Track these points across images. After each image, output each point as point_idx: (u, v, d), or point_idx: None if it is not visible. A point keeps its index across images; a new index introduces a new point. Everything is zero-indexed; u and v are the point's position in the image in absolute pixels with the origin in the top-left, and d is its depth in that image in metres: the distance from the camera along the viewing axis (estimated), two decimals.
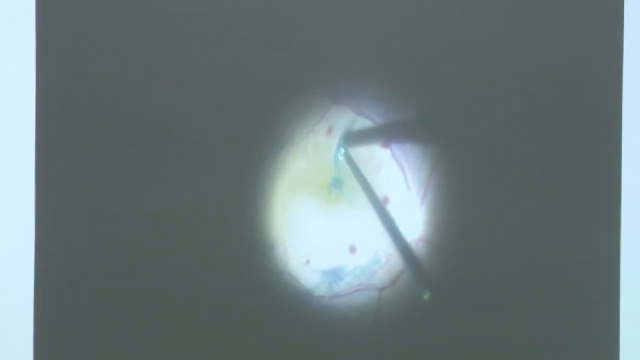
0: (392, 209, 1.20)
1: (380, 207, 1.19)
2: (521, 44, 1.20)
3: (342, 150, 1.19)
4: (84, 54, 1.20)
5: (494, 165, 1.20)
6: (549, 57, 1.20)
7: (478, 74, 1.20)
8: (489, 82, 1.20)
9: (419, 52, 1.20)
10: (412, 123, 1.20)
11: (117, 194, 1.19)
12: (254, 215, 1.19)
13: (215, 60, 1.20)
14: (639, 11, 1.21)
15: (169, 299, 1.19)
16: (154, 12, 1.20)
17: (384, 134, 1.20)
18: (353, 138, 1.20)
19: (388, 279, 1.20)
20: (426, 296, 1.19)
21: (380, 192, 1.20)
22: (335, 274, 1.20)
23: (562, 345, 1.20)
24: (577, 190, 1.20)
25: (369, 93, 1.20)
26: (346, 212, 1.20)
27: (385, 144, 1.20)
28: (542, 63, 1.20)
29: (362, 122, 1.20)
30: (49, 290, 1.20)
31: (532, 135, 1.20)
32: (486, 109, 1.20)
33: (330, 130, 1.20)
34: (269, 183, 1.20)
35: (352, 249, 1.20)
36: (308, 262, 1.19)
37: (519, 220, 1.20)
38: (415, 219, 1.20)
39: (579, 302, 1.20)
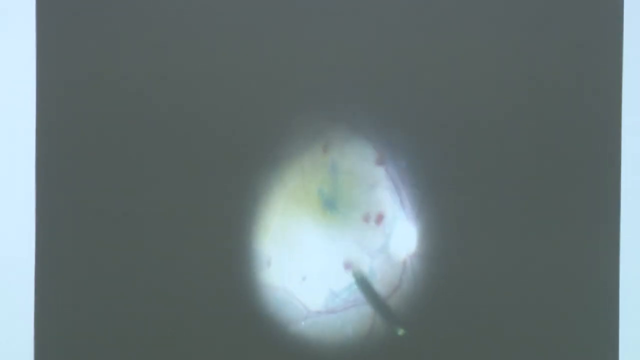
0: (386, 225, 1.20)
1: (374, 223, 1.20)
2: (521, 47, 1.20)
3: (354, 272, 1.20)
4: (85, 54, 1.20)
5: (493, 166, 1.20)
6: (548, 59, 1.20)
7: (476, 77, 1.20)
8: (487, 85, 1.20)
9: (415, 68, 1.20)
10: (406, 140, 1.20)
11: (118, 194, 1.19)
12: (251, 232, 1.19)
13: (214, 74, 1.20)
14: (638, 11, 1.21)
15: (170, 298, 1.19)
16: (156, 13, 1.20)
17: (379, 151, 1.20)
18: (347, 155, 1.20)
19: (383, 294, 1.20)
20: (400, 332, 1.19)
21: (374, 209, 1.20)
22: (330, 290, 1.20)
23: (562, 345, 1.20)
24: (577, 191, 1.20)
25: (364, 111, 1.19)
26: (340, 228, 1.20)
27: (380, 162, 1.20)
28: (542, 64, 1.20)
29: (357, 140, 1.20)
30: (49, 291, 1.20)
31: (531, 136, 1.20)
32: (484, 112, 1.20)
33: (325, 148, 1.20)
34: (266, 200, 1.20)
35: (347, 265, 1.20)
36: (304, 278, 1.20)
37: (518, 221, 1.20)
38: (410, 235, 1.20)
39: (579, 302, 1.20)
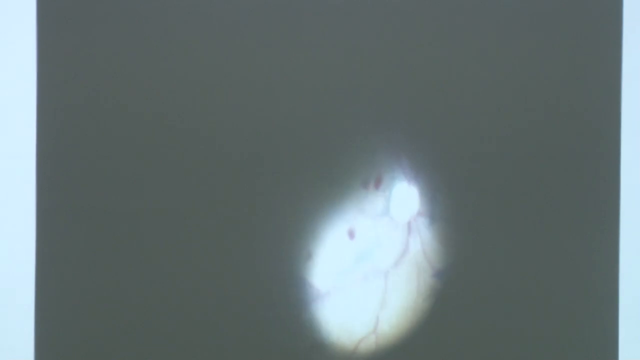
0: (385, 188, 1.19)
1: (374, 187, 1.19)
2: (521, 47, 1.20)
3: None
4: (85, 54, 1.20)
5: (493, 166, 1.20)
6: (548, 59, 1.20)
7: (476, 77, 1.20)
8: (487, 85, 1.20)
9: (414, 68, 1.20)
10: (406, 140, 1.20)
11: (118, 194, 1.19)
12: (256, 213, 1.19)
13: (214, 74, 1.20)
14: (638, 11, 1.21)
15: (170, 298, 1.19)
16: (157, 13, 1.20)
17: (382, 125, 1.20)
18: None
19: (391, 261, 1.20)
20: None
21: (374, 172, 1.19)
22: (338, 264, 1.19)
23: (562, 345, 1.20)
24: (577, 191, 1.20)
25: (365, 111, 1.20)
26: (341, 197, 1.19)
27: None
28: (542, 64, 1.20)
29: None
30: (49, 291, 1.20)
31: (531, 136, 1.20)
32: (484, 112, 1.20)
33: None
34: (270, 180, 1.20)
35: (351, 234, 1.19)
36: (310, 255, 1.19)
37: (519, 222, 1.20)
38: (410, 197, 1.20)
39: (579, 302, 1.20)
